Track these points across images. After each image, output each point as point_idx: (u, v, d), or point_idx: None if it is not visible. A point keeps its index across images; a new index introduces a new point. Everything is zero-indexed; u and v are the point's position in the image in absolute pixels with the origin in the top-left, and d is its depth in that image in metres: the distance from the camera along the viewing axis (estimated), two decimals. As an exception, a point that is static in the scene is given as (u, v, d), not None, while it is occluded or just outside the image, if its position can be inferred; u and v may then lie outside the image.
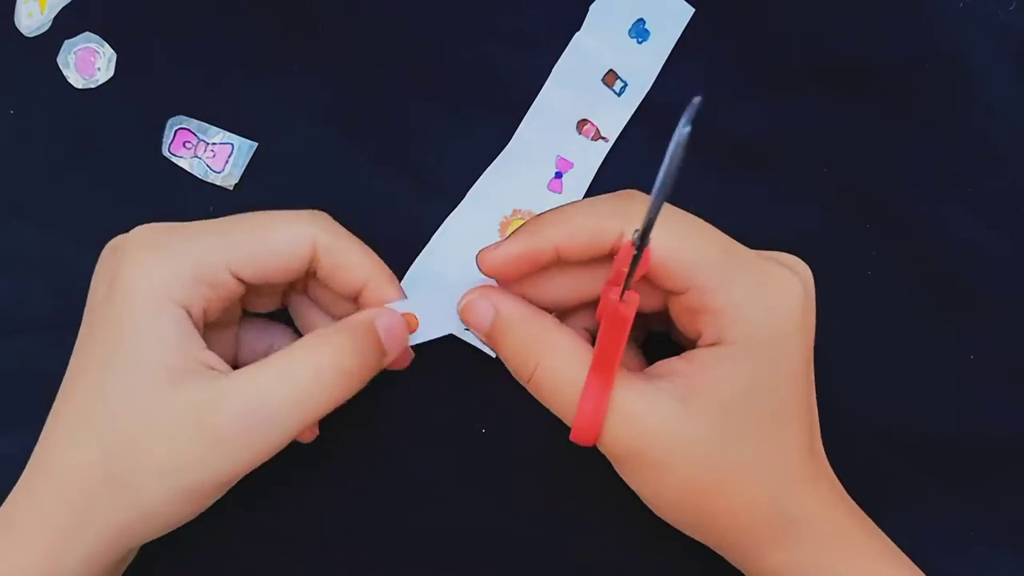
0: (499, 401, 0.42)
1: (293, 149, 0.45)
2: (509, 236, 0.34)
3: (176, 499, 0.31)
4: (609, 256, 0.33)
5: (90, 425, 0.32)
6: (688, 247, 0.33)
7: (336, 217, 0.44)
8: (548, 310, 0.35)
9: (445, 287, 0.36)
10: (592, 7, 0.46)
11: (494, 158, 0.45)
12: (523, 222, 0.45)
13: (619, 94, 0.45)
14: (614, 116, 0.45)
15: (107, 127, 0.45)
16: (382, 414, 0.43)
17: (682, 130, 0.24)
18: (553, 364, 0.33)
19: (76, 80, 0.45)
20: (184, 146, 0.45)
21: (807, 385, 0.34)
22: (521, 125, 0.45)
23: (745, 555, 0.34)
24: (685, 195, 0.45)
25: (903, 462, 0.43)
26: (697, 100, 0.24)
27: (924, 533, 0.42)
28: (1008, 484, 0.43)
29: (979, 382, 0.44)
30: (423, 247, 0.44)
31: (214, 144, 0.45)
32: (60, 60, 0.45)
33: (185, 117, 0.45)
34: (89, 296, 0.36)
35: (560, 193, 0.45)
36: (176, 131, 0.45)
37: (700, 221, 0.34)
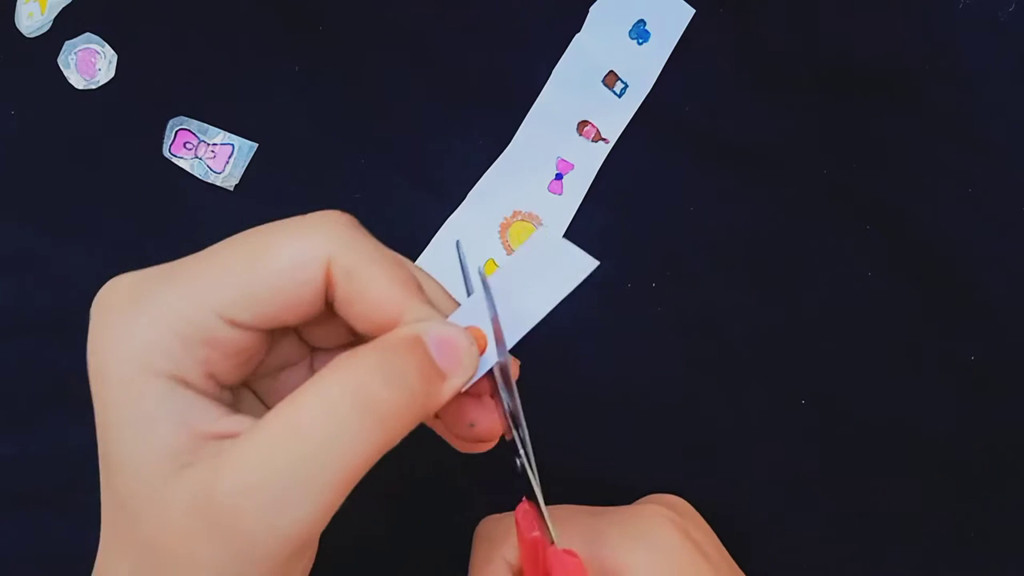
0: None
1: (293, 149, 0.45)
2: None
3: None
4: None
5: (118, 535, 0.25)
6: (582, 543, 0.32)
7: (336, 218, 0.44)
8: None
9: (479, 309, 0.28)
10: (592, 8, 0.45)
11: (494, 159, 0.45)
12: (524, 223, 0.45)
13: (619, 95, 0.45)
14: (615, 117, 0.45)
15: (107, 128, 0.45)
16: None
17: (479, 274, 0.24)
18: None
19: (76, 81, 0.45)
20: (184, 147, 0.45)
21: None
22: (521, 126, 0.45)
23: None
24: (685, 196, 0.45)
25: (902, 462, 0.43)
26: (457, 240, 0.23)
27: (924, 534, 0.42)
28: (1008, 484, 0.43)
29: (979, 383, 0.44)
30: (424, 248, 0.44)
31: (214, 145, 0.45)
32: (60, 61, 0.45)
33: (185, 118, 0.45)
34: None
35: (560, 194, 0.45)
36: (176, 132, 0.45)
37: (575, 511, 0.34)
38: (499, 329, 0.26)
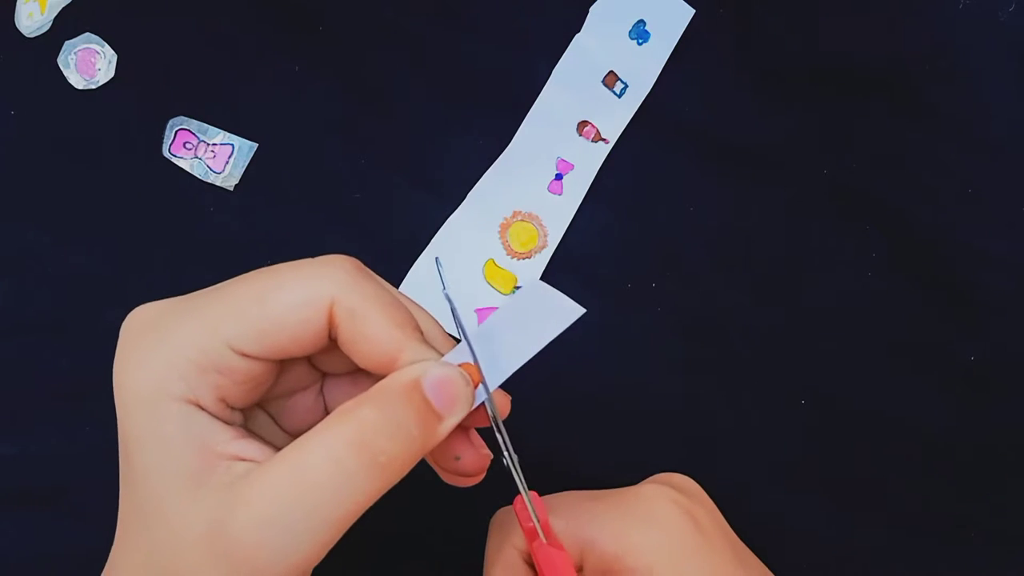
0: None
1: (293, 149, 0.45)
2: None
3: None
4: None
5: (132, 535, 0.28)
6: (581, 528, 0.33)
7: (336, 218, 0.44)
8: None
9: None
10: (592, 8, 0.45)
11: (494, 159, 0.45)
12: (524, 223, 0.45)
13: (619, 95, 0.45)
14: (614, 117, 0.45)
15: (107, 128, 0.45)
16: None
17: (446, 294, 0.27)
18: None
19: (76, 81, 0.45)
20: (184, 147, 0.45)
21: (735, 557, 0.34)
22: (522, 126, 0.45)
23: None
24: (685, 196, 0.45)
25: (902, 462, 0.43)
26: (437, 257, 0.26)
27: (924, 534, 0.42)
28: (1008, 484, 0.43)
29: (979, 383, 0.44)
30: (424, 248, 0.44)
31: (214, 145, 0.45)
32: (60, 60, 0.45)
33: (185, 118, 0.45)
34: None
35: (560, 194, 0.45)
36: (176, 132, 0.45)
37: (577, 497, 0.34)
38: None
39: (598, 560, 0.32)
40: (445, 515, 0.41)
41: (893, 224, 0.45)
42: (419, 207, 0.44)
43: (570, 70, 0.45)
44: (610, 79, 0.45)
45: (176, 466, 0.26)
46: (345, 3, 0.46)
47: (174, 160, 0.45)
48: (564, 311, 0.29)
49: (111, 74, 0.46)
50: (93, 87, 0.45)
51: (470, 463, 0.29)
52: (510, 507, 0.34)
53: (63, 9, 0.46)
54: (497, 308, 0.29)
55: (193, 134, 0.45)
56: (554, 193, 0.45)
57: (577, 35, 0.46)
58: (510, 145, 0.45)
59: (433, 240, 0.44)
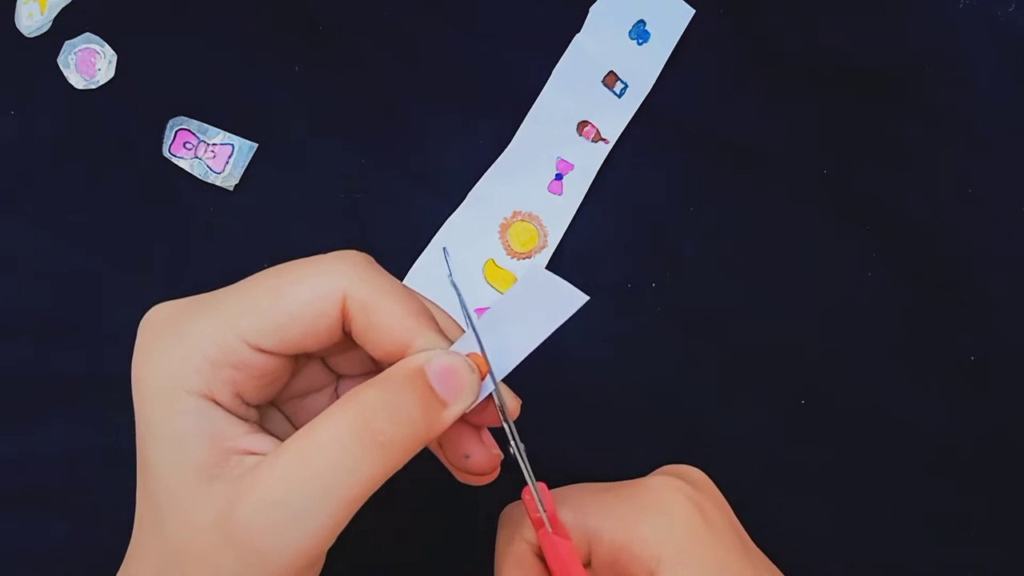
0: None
1: (293, 149, 0.45)
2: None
3: None
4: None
5: (148, 531, 0.28)
6: (589, 519, 0.32)
7: (336, 217, 0.44)
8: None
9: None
10: (592, 8, 0.45)
11: (494, 159, 0.45)
12: (524, 223, 0.45)
13: (619, 95, 0.45)
14: (614, 117, 0.45)
15: (107, 127, 0.45)
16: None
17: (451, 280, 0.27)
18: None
19: (76, 81, 0.45)
20: (184, 147, 0.45)
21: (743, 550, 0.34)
22: (522, 126, 0.45)
23: None
24: (685, 196, 0.45)
25: (902, 462, 0.43)
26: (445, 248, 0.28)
27: (924, 534, 0.42)
28: (1008, 484, 0.43)
29: (979, 383, 0.44)
30: (424, 248, 0.44)
31: (214, 145, 0.45)
32: (60, 60, 0.45)
33: (185, 118, 0.45)
34: None
35: (560, 194, 0.45)
36: (176, 132, 0.45)
37: (585, 488, 0.34)
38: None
39: (606, 550, 0.32)
40: (445, 515, 0.41)
41: (893, 224, 0.45)
42: (419, 207, 0.44)
43: (570, 70, 0.45)
44: (610, 79, 0.45)
45: (190, 459, 0.27)
46: (345, 3, 0.46)
47: (174, 160, 0.45)
48: (567, 299, 0.28)
49: (111, 74, 0.46)
50: (93, 87, 0.45)
51: (480, 462, 0.30)
52: (520, 501, 0.34)
53: (63, 9, 0.46)
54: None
55: (193, 134, 0.45)
56: (554, 193, 0.45)
57: (577, 35, 0.46)
58: (510, 145, 0.45)
59: (433, 240, 0.44)
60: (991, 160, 0.46)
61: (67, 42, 0.46)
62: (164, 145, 0.45)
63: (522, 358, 0.29)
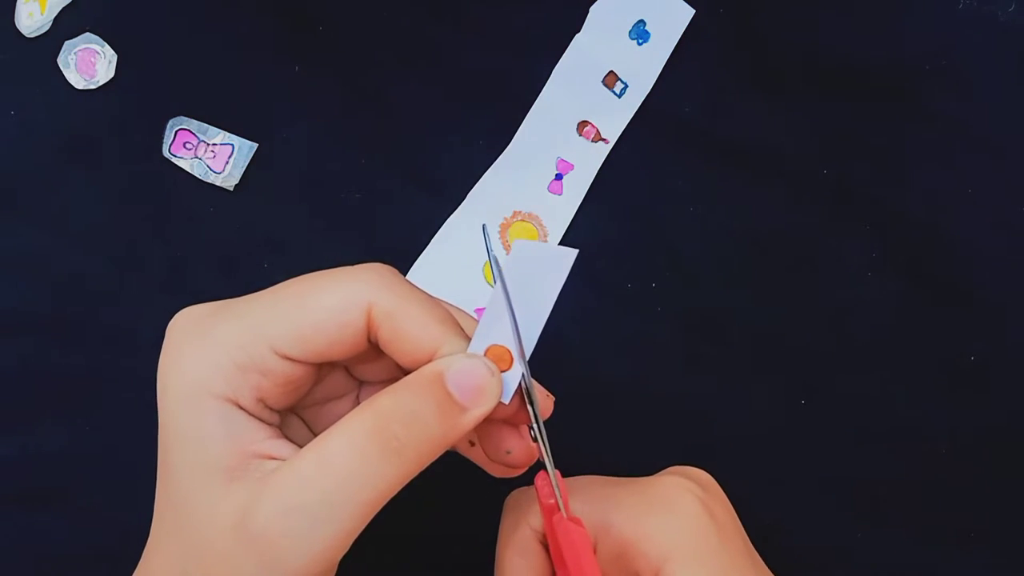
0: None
1: (293, 149, 0.45)
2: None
3: None
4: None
5: (168, 530, 0.29)
6: (597, 511, 0.33)
7: (336, 217, 0.44)
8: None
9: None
10: (592, 8, 0.45)
11: (495, 159, 0.45)
12: (524, 223, 0.45)
13: (619, 95, 0.45)
14: (614, 117, 0.45)
15: (107, 127, 0.45)
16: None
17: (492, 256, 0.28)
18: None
19: (76, 81, 0.45)
20: (184, 147, 0.45)
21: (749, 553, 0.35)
22: (521, 126, 0.45)
23: None
24: (685, 196, 0.45)
25: (902, 462, 0.43)
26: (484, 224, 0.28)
27: (925, 534, 0.42)
28: (1008, 485, 0.43)
29: (979, 383, 0.44)
30: (424, 248, 0.44)
31: (214, 145, 0.45)
32: (60, 60, 0.45)
33: (185, 118, 0.45)
34: None
35: (560, 194, 0.45)
36: (176, 132, 0.45)
37: (596, 481, 0.34)
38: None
39: (613, 544, 0.32)
40: (448, 513, 0.41)
41: (893, 224, 0.45)
42: (419, 207, 0.44)
43: (570, 70, 0.45)
44: (610, 79, 0.45)
45: (211, 461, 0.27)
46: (345, 3, 0.46)
47: (174, 160, 0.45)
48: (559, 260, 0.28)
49: (111, 74, 0.46)
50: (93, 87, 0.45)
51: (521, 456, 0.31)
52: (525, 488, 0.34)
53: (63, 9, 0.46)
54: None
55: (193, 134, 0.45)
56: (554, 193, 0.45)
57: (577, 35, 0.46)
58: (510, 145, 0.45)
59: (433, 240, 0.44)
60: (991, 160, 0.46)
61: (67, 42, 0.46)
62: (164, 145, 0.45)
63: (540, 330, 0.29)
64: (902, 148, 0.46)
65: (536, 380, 0.32)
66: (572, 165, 0.45)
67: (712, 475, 0.36)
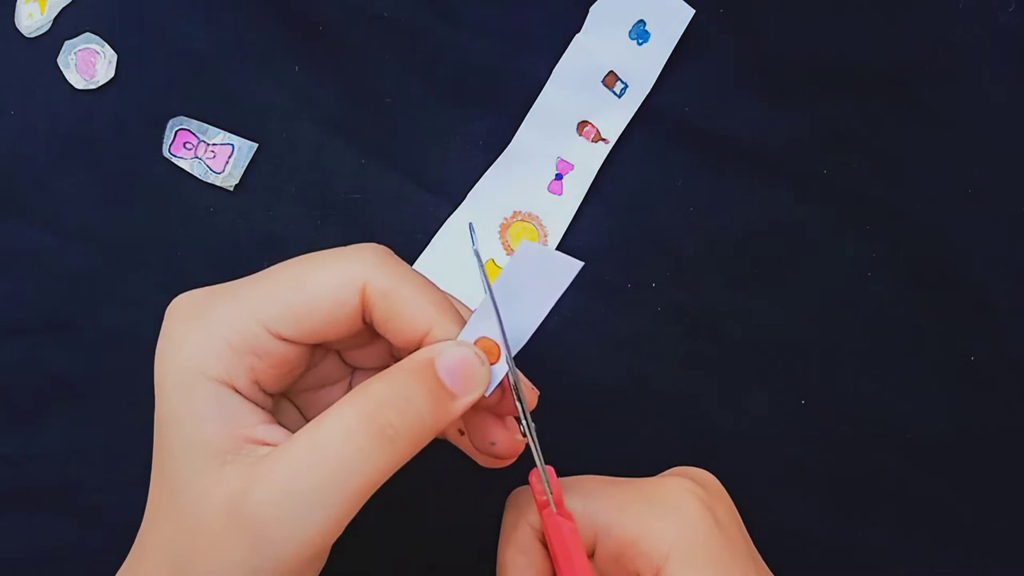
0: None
1: (293, 149, 0.45)
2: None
3: None
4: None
5: (162, 513, 0.29)
6: (597, 510, 0.33)
7: (336, 217, 0.44)
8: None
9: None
10: (592, 8, 0.45)
11: (495, 159, 0.45)
12: (524, 223, 0.45)
13: (619, 95, 0.45)
14: (614, 117, 0.45)
15: (107, 127, 0.45)
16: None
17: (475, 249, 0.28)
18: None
19: (76, 81, 0.45)
20: (184, 147, 0.45)
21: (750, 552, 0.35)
22: (521, 126, 0.45)
23: None
24: (685, 196, 0.45)
25: (902, 462, 0.43)
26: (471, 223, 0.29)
27: (925, 534, 0.42)
28: (1008, 484, 0.43)
29: (979, 383, 0.44)
30: (424, 248, 0.44)
31: (214, 145, 0.45)
32: (60, 60, 0.45)
33: (185, 118, 0.45)
34: None
35: (560, 194, 0.45)
36: (176, 132, 0.45)
37: (597, 480, 0.34)
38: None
39: (613, 543, 0.32)
40: (447, 511, 0.41)
41: (893, 224, 0.45)
42: (419, 207, 0.44)
43: (570, 70, 0.45)
44: (610, 79, 0.45)
45: (205, 443, 0.27)
46: (345, 3, 0.46)
47: (174, 160, 0.45)
48: (563, 268, 0.29)
49: (111, 74, 0.46)
50: (93, 87, 0.45)
51: (506, 447, 0.31)
52: (526, 486, 0.34)
53: (63, 9, 0.46)
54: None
55: (193, 134, 0.45)
56: (554, 193, 0.45)
57: (577, 35, 0.46)
58: (510, 145, 0.45)
59: (433, 240, 0.44)
60: (991, 160, 0.46)
61: (67, 42, 0.46)
62: (164, 145, 0.45)
63: (531, 333, 0.29)
64: (901, 148, 0.46)
65: (534, 379, 0.32)
66: (572, 165, 0.45)
67: (712, 475, 0.36)
